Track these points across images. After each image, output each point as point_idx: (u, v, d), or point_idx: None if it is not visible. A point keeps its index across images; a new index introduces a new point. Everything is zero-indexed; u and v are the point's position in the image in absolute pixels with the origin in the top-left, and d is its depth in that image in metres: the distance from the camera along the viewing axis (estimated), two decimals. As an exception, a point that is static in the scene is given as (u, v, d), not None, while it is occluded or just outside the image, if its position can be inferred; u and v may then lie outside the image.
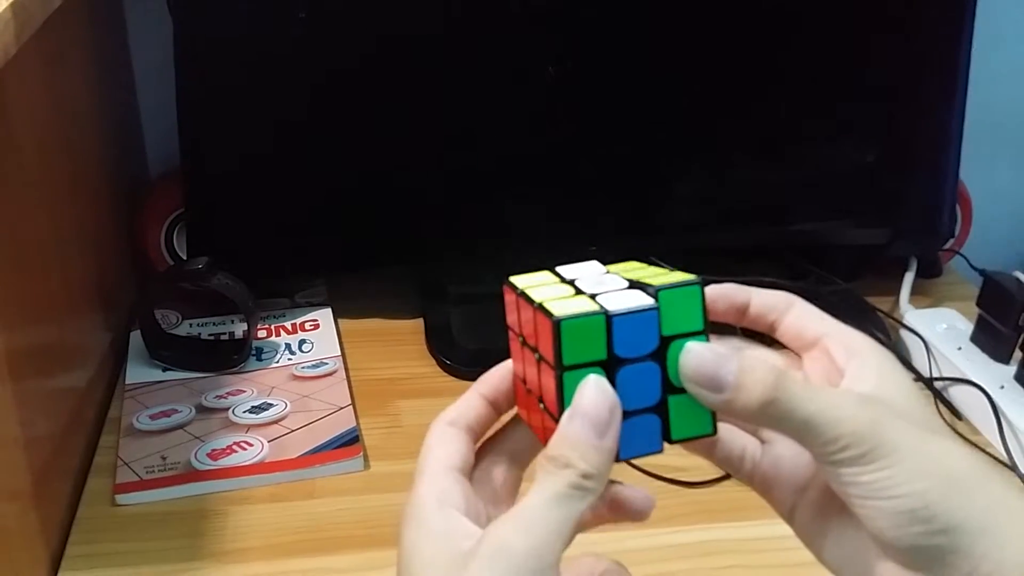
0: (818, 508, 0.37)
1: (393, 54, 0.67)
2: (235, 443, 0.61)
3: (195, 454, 0.60)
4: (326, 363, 0.69)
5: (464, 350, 0.71)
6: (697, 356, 0.34)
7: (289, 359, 0.70)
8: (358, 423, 0.64)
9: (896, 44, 0.72)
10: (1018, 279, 0.68)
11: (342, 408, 0.64)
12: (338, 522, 0.56)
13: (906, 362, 0.74)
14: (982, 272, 0.71)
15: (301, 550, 0.54)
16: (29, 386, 0.50)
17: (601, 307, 0.34)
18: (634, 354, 0.34)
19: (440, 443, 0.37)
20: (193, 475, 0.58)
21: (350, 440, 0.61)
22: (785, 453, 0.38)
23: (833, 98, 0.73)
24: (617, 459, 0.33)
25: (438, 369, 0.71)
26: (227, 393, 0.66)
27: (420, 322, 0.75)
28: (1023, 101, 0.96)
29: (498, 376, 0.39)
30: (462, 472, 0.36)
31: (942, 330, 0.73)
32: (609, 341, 0.34)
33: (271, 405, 0.65)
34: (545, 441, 0.34)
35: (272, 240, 0.73)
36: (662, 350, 0.34)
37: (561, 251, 0.77)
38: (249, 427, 0.62)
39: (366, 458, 0.61)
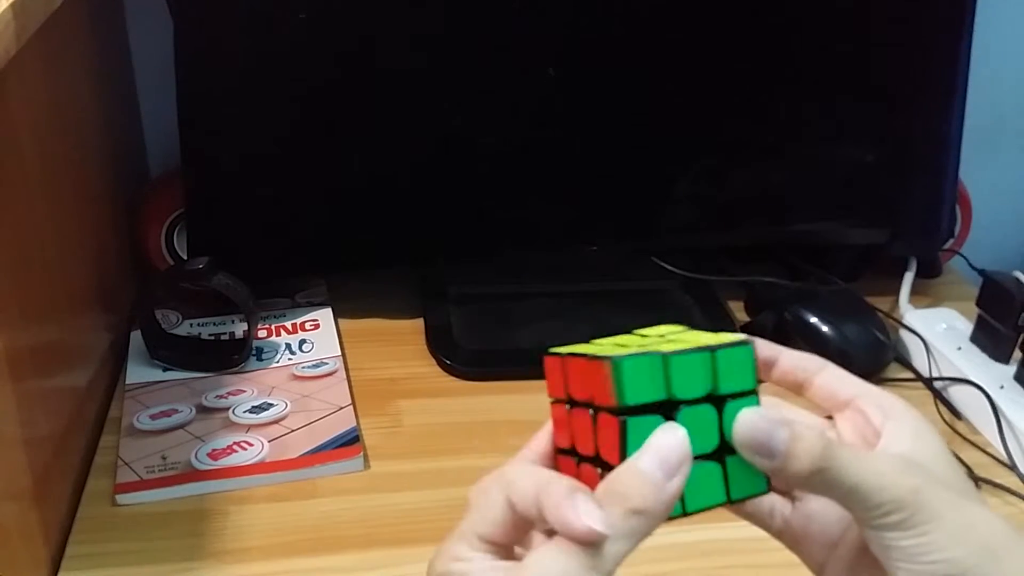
0: (848, 565, 0.38)
1: (393, 54, 0.67)
2: (235, 443, 0.61)
3: (195, 454, 0.60)
4: (326, 363, 0.69)
5: (464, 350, 0.71)
6: (749, 424, 0.34)
7: (289, 359, 0.70)
8: (358, 423, 0.64)
9: (896, 44, 0.72)
10: (1018, 279, 0.68)
11: (342, 408, 0.65)
12: (338, 522, 0.56)
13: (906, 362, 0.74)
14: (982, 272, 0.71)
15: (301, 550, 0.54)
16: (30, 386, 0.50)
17: (656, 350, 0.34)
18: (691, 394, 0.34)
19: (473, 507, 0.36)
20: (193, 475, 0.58)
21: (350, 440, 0.61)
22: (816, 511, 0.39)
23: (833, 98, 0.73)
24: (685, 512, 0.34)
25: (438, 369, 0.71)
26: (227, 393, 0.66)
27: (420, 322, 0.75)
28: (1023, 100, 0.96)
29: (544, 439, 0.39)
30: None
31: (942, 330, 0.73)
32: (667, 379, 0.34)
33: (271, 405, 0.65)
34: None
35: (272, 240, 0.73)
36: (718, 400, 0.35)
37: (561, 251, 0.77)
38: (249, 427, 0.62)
39: (366, 458, 0.61)
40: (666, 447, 0.33)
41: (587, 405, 0.36)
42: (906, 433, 0.37)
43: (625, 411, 0.33)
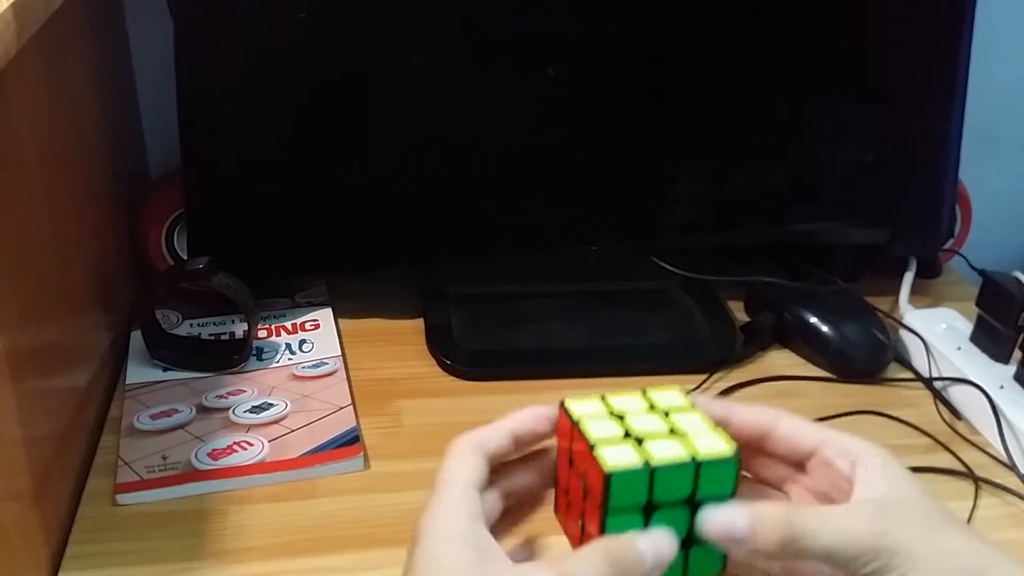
0: None
1: (393, 54, 0.67)
2: (235, 443, 0.61)
3: (195, 454, 0.60)
4: (326, 363, 0.69)
5: (464, 350, 0.71)
6: (713, 521, 0.39)
7: (289, 359, 0.70)
8: (358, 423, 0.64)
9: (896, 43, 0.72)
10: (1017, 279, 0.68)
11: (342, 408, 0.65)
12: (338, 522, 0.56)
13: (906, 362, 0.74)
14: (981, 272, 0.71)
15: (301, 550, 0.54)
16: (30, 386, 0.50)
17: (646, 460, 0.39)
18: (669, 499, 0.40)
19: (466, 461, 0.41)
20: (193, 475, 0.58)
21: (350, 440, 0.61)
22: (806, 567, 0.42)
23: (833, 98, 0.73)
24: None
25: (438, 369, 0.71)
26: (227, 393, 0.66)
27: (420, 322, 0.75)
28: (1022, 101, 0.96)
29: (530, 416, 0.44)
30: (480, 492, 0.40)
31: (942, 330, 0.73)
32: (650, 489, 0.39)
33: (271, 405, 0.65)
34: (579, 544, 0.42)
35: (272, 240, 0.73)
36: (694, 501, 0.40)
37: (561, 251, 0.77)
38: (249, 427, 0.62)
39: (366, 458, 0.61)
40: (662, 546, 0.38)
41: (582, 477, 0.41)
42: (876, 475, 0.40)
43: (609, 510, 0.39)
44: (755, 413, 0.45)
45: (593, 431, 0.41)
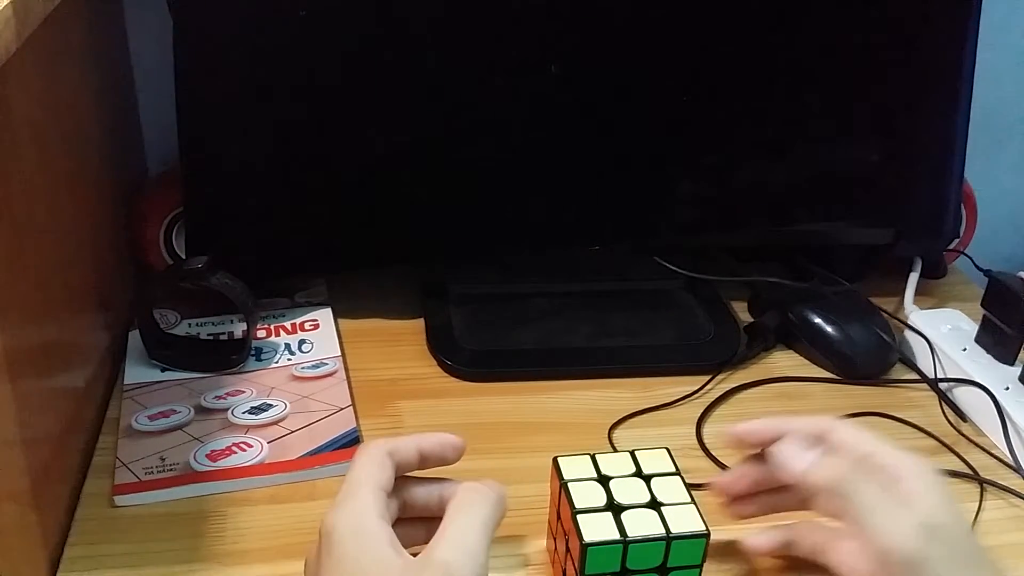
0: None
1: (394, 53, 0.67)
2: (234, 444, 0.60)
3: (194, 455, 0.59)
4: (326, 363, 0.69)
5: (465, 350, 0.71)
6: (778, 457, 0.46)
7: (289, 359, 0.69)
8: (359, 424, 0.63)
9: (900, 43, 0.72)
10: (1023, 280, 0.68)
11: (342, 409, 0.64)
12: (338, 524, 0.56)
13: (911, 364, 0.73)
14: (987, 273, 0.70)
15: (301, 552, 0.53)
16: (28, 386, 0.50)
17: (621, 533, 0.44)
18: (642, 567, 0.45)
19: (377, 464, 0.45)
20: (192, 476, 0.58)
21: (350, 441, 0.61)
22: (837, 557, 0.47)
23: (837, 98, 0.73)
24: None
25: (439, 370, 0.70)
26: (226, 393, 0.65)
27: (420, 322, 0.75)
28: (1027, 101, 0.95)
29: (438, 440, 0.47)
30: (387, 496, 0.44)
31: (947, 331, 0.72)
32: (623, 558, 0.44)
33: (271, 406, 0.64)
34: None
35: (272, 239, 0.73)
36: (665, 568, 0.45)
37: (563, 251, 0.77)
38: (249, 428, 0.62)
39: (367, 459, 0.61)
40: None
41: (566, 538, 0.46)
42: (923, 498, 0.44)
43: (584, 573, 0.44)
44: (809, 424, 0.49)
45: (577, 498, 0.45)
